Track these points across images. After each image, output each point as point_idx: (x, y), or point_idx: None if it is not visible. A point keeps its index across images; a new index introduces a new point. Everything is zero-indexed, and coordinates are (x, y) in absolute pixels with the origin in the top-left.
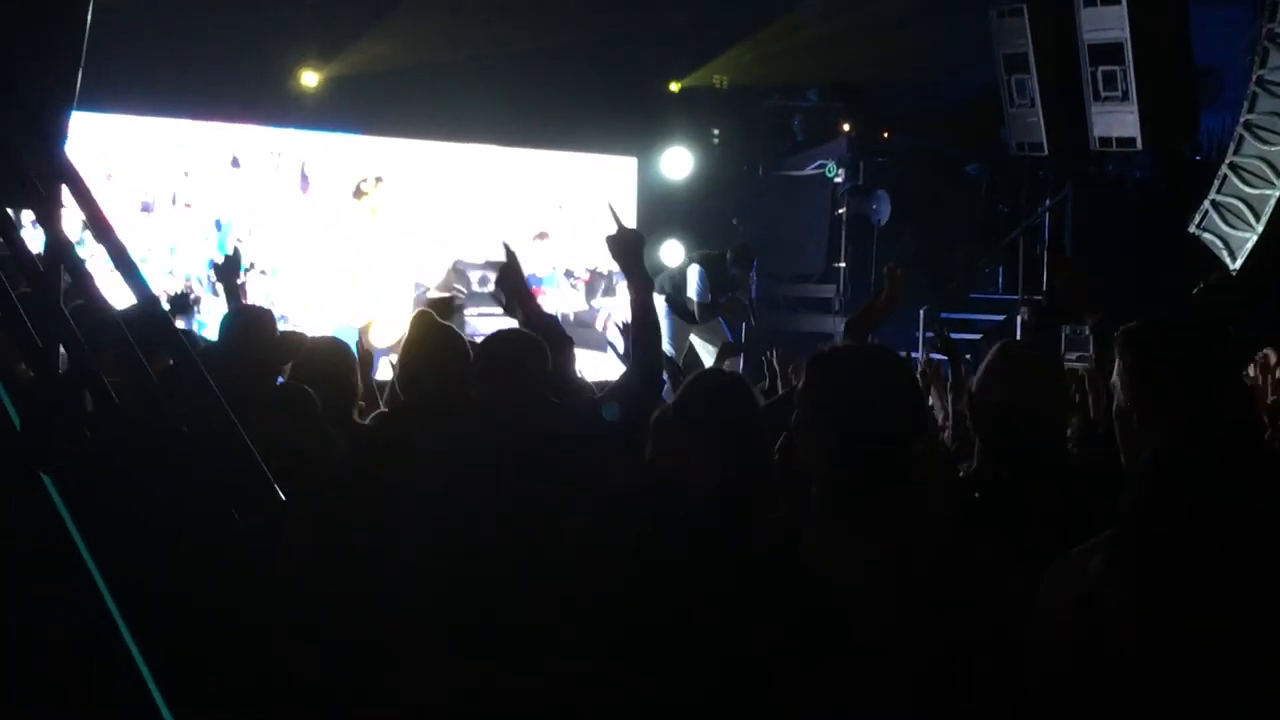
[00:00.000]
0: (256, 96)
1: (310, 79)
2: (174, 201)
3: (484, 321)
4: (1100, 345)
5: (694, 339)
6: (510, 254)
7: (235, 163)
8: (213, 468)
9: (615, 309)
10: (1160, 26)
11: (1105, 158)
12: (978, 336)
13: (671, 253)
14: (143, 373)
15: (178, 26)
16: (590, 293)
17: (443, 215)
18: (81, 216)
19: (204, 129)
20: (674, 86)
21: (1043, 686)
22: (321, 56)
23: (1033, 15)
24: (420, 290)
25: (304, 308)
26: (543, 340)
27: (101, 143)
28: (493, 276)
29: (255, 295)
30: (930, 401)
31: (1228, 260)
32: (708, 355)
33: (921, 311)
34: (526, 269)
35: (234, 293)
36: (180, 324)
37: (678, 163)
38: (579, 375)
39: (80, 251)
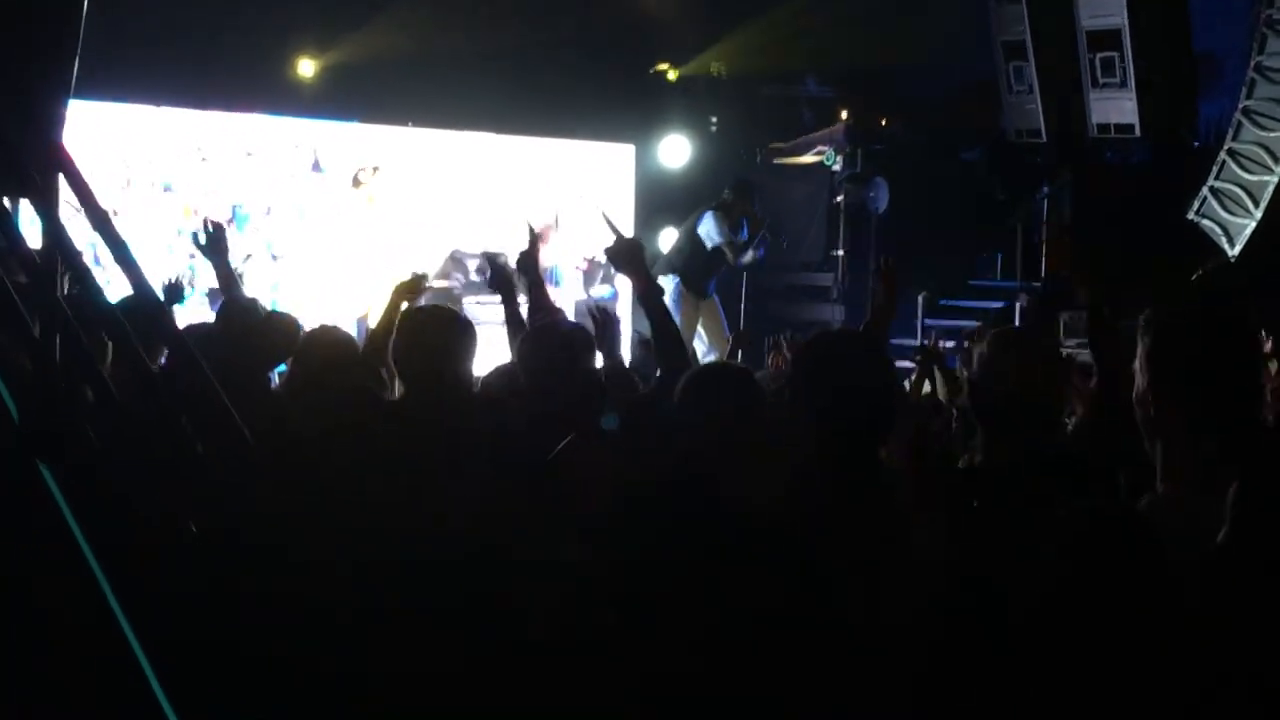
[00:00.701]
0: (253, 85)
1: (307, 68)
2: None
3: (483, 310)
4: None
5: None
6: (533, 235)
7: (238, 152)
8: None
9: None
10: (1159, 12)
11: (1104, 144)
12: (976, 324)
13: (669, 241)
14: (142, 365)
15: (174, 14)
16: (588, 281)
17: (440, 204)
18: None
19: (200, 117)
20: (672, 75)
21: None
22: (319, 45)
23: (1031, 2)
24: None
25: (303, 297)
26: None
27: (95, 131)
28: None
29: (259, 284)
30: (928, 388)
31: (1226, 247)
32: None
33: (920, 298)
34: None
35: (224, 271)
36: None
37: (676, 151)
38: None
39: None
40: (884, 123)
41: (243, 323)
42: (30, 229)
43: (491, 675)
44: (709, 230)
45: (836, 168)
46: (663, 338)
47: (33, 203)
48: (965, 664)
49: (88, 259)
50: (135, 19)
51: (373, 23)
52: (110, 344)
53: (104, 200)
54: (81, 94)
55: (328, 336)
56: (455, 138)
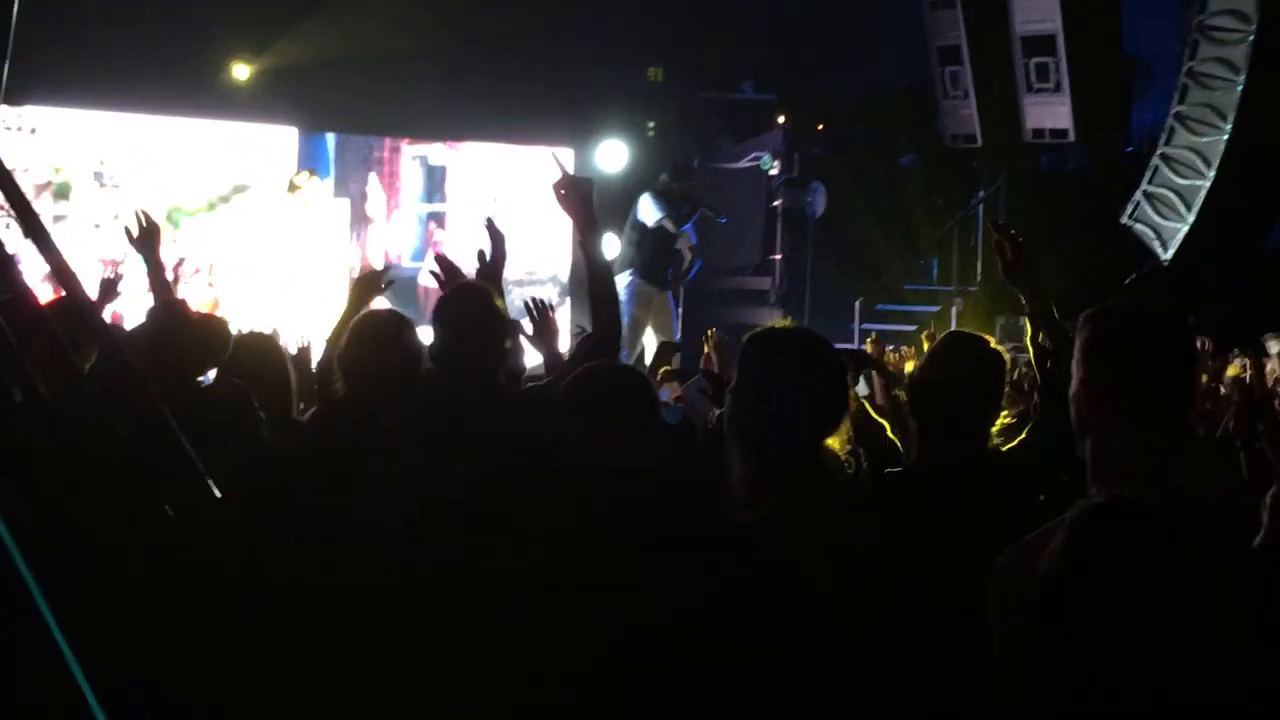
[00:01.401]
0: (187, 89)
1: (242, 72)
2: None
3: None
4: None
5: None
6: (496, 236)
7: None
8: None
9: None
10: (1091, 18)
11: (1038, 149)
12: (912, 328)
13: (608, 245)
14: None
15: (106, 19)
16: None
17: (377, 209)
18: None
19: (135, 120)
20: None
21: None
22: (253, 49)
23: (966, 7)
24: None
25: (239, 303)
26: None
27: (28, 135)
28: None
29: (195, 290)
30: (865, 390)
31: (1160, 251)
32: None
33: (857, 304)
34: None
35: (156, 268)
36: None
37: (613, 155)
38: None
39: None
40: (821, 127)
41: (173, 326)
42: None
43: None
44: (647, 210)
45: (774, 172)
46: (599, 294)
47: None
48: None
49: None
50: (68, 23)
51: (307, 28)
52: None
53: (38, 204)
54: (13, 99)
55: (254, 342)
56: (391, 143)
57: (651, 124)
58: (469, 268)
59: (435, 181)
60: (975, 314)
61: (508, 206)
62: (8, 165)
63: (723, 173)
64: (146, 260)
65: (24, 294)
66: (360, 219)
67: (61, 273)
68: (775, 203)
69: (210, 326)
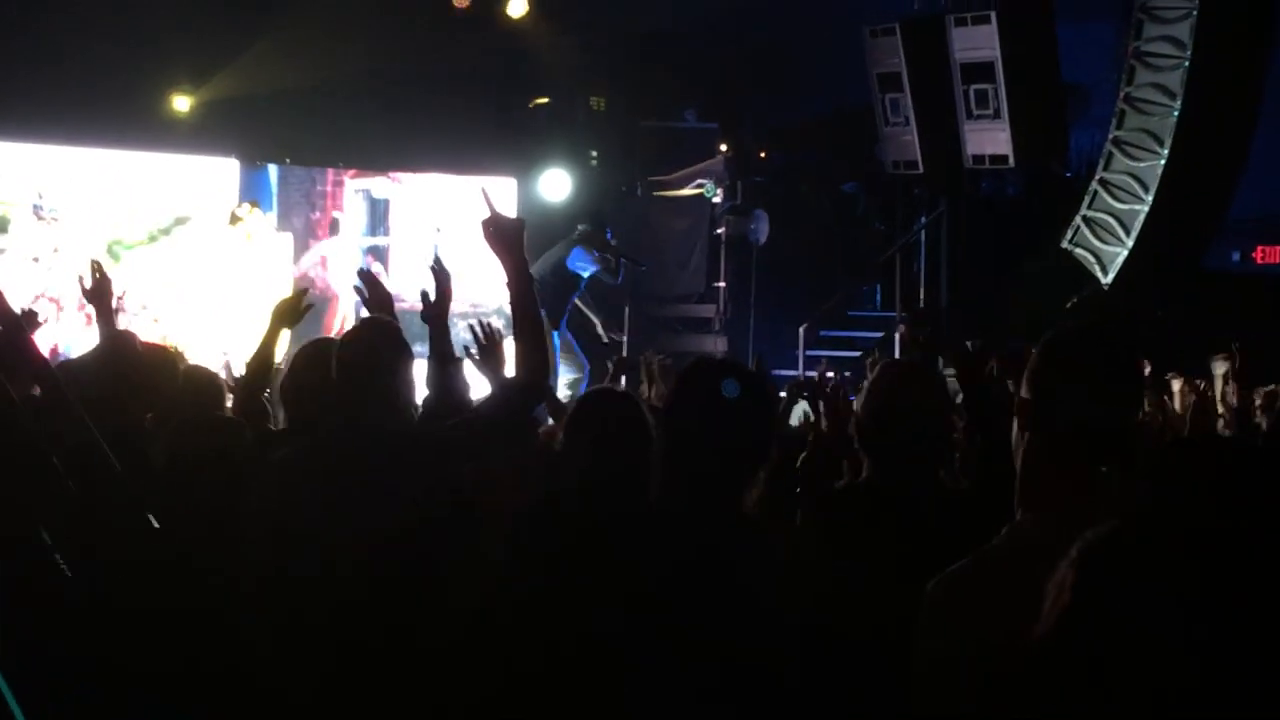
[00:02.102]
0: (127, 121)
1: (182, 104)
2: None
3: None
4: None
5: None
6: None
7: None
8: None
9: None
10: (1029, 45)
11: (979, 175)
12: (857, 354)
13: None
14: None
15: (45, 50)
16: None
17: (319, 240)
18: None
19: (76, 153)
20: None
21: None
22: (193, 81)
23: (905, 35)
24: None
25: (182, 336)
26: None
27: None
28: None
29: (137, 321)
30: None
31: (1100, 275)
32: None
33: (801, 330)
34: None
35: (106, 316)
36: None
37: (556, 184)
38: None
39: None
40: (763, 155)
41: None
42: None
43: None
44: (582, 262)
45: (717, 200)
46: (527, 336)
47: None
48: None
49: None
50: (4, 55)
51: (248, 60)
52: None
53: None
54: None
55: (197, 374)
56: (334, 174)
57: (594, 153)
58: (408, 296)
59: (378, 214)
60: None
61: (451, 238)
62: None
63: (665, 201)
64: (97, 311)
65: None
66: (303, 251)
67: None
68: (718, 230)
69: (159, 357)
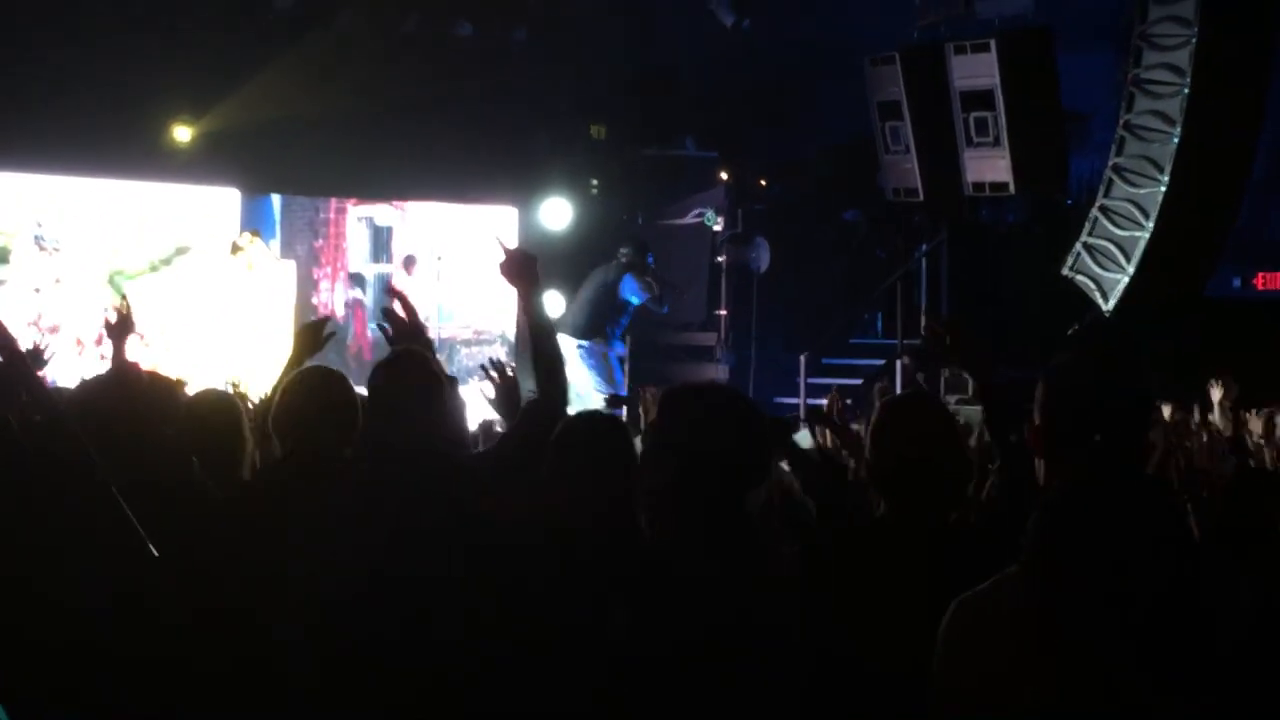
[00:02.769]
0: (127, 152)
1: (183, 134)
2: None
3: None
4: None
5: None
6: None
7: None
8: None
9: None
10: (1029, 73)
11: (979, 202)
12: (858, 382)
13: (552, 303)
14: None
15: (46, 81)
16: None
17: (322, 270)
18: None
19: (78, 183)
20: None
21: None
22: (194, 111)
23: (905, 63)
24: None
25: (184, 366)
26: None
27: None
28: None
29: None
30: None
31: (1101, 302)
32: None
33: (802, 358)
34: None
35: (120, 351)
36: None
37: (557, 213)
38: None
39: None
40: (764, 183)
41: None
42: None
43: None
44: (633, 290)
45: (717, 228)
46: (545, 363)
47: None
48: None
49: None
50: (5, 85)
51: (249, 90)
52: None
53: None
54: None
55: (208, 398)
56: (336, 203)
57: (595, 181)
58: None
59: (381, 242)
60: (922, 368)
61: (454, 265)
62: None
63: (666, 229)
64: (115, 346)
65: None
66: (306, 280)
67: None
68: (719, 258)
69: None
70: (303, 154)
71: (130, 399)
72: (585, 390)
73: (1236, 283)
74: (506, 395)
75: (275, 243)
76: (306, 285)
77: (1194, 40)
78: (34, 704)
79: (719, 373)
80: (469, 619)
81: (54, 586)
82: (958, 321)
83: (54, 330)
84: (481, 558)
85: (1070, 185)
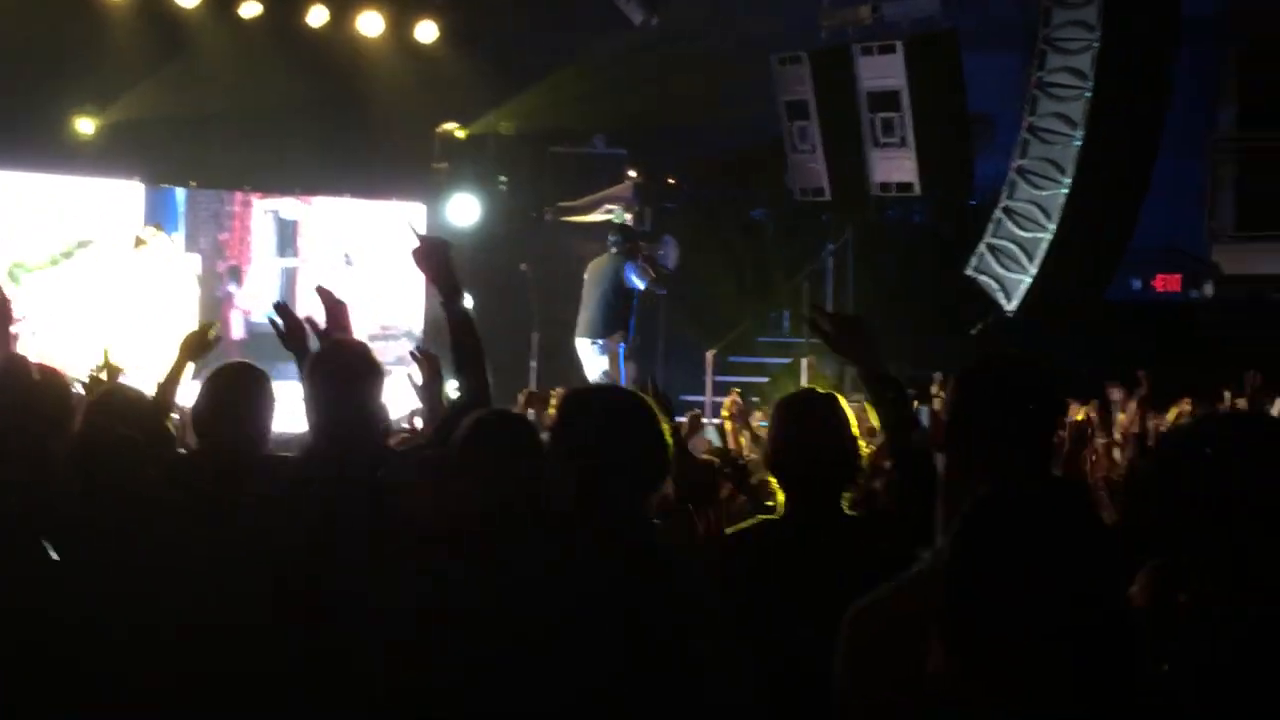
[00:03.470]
0: (29, 143)
1: (86, 126)
2: None
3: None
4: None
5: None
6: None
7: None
8: None
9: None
10: (935, 75)
11: (885, 202)
12: (765, 380)
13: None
14: None
15: None
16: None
17: (227, 265)
18: None
19: None
20: (460, 133)
21: None
22: (98, 103)
23: (813, 63)
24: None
25: (85, 360)
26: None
27: None
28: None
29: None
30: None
31: (1003, 302)
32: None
33: (709, 356)
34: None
35: (3, 340)
36: None
37: (465, 209)
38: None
39: None
40: (672, 181)
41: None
42: None
43: None
44: (635, 277)
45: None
46: (466, 355)
47: None
48: None
49: None
50: None
51: (154, 82)
52: None
53: None
54: None
55: (120, 395)
56: (242, 198)
57: (503, 178)
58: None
59: (288, 235)
60: (827, 365)
61: (361, 261)
62: None
63: (574, 227)
64: None
65: None
66: (211, 273)
67: None
68: None
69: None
70: (209, 147)
71: (18, 395)
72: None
73: (1137, 284)
74: (432, 382)
75: (179, 236)
76: (211, 279)
77: (1096, 45)
78: None
79: (627, 370)
80: (380, 617)
81: None
82: (843, 314)
83: None
84: (398, 555)
85: (975, 186)
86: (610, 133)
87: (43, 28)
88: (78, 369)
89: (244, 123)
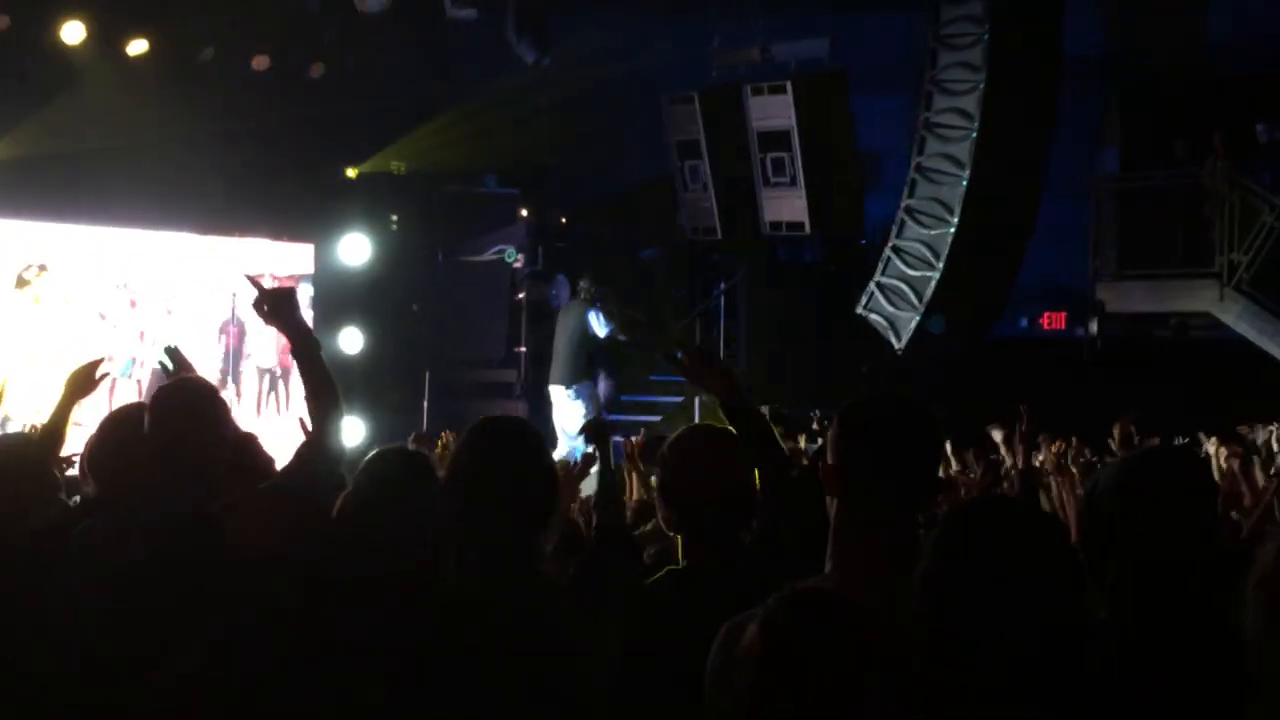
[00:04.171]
0: None
1: None
2: None
3: None
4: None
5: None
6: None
7: None
8: None
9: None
10: (825, 114)
11: (776, 241)
12: (658, 418)
13: (350, 340)
14: None
15: None
16: (273, 385)
17: (113, 305)
18: None
19: None
20: (350, 172)
21: None
22: None
23: (704, 103)
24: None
25: None
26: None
27: None
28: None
29: None
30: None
31: (893, 340)
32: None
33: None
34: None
35: None
36: None
37: (356, 249)
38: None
39: None
40: (564, 221)
41: None
42: None
43: None
44: (599, 326)
45: (517, 265)
46: (319, 401)
47: None
48: None
49: None
50: None
51: (40, 117)
52: None
53: None
54: None
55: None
56: (127, 235)
57: (394, 217)
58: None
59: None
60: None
61: (246, 301)
62: None
63: (466, 266)
64: None
65: None
66: (99, 313)
67: None
68: (519, 295)
69: None
70: (93, 184)
71: None
72: (574, 429)
73: (1024, 322)
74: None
75: (65, 276)
76: (96, 319)
77: (982, 85)
78: None
79: (518, 409)
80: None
81: None
82: (700, 347)
83: None
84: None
85: (865, 225)
86: (502, 172)
87: None
88: None
89: (131, 160)
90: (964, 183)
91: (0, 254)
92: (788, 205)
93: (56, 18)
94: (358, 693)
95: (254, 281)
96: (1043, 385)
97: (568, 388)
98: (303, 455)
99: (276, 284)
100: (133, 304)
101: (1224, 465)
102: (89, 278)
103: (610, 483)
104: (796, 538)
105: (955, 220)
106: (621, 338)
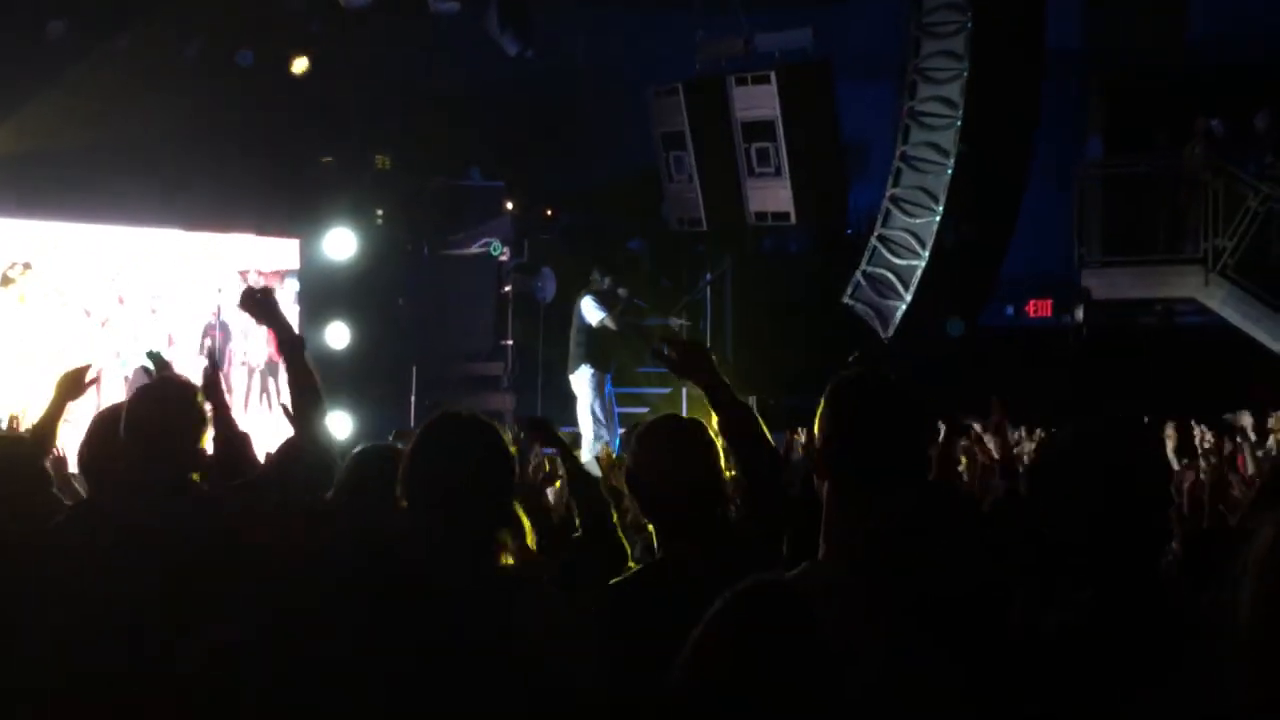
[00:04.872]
0: None
1: None
2: None
3: None
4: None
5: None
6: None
7: None
8: None
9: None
10: (809, 104)
11: (761, 232)
12: (645, 410)
13: (336, 334)
14: None
15: None
16: (263, 381)
17: (99, 302)
18: None
19: None
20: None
21: None
22: None
23: (688, 94)
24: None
25: None
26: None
27: None
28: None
29: None
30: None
31: (880, 329)
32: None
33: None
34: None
35: None
36: None
37: (341, 243)
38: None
39: None
40: (550, 213)
41: None
42: None
43: None
44: (591, 313)
45: (503, 258)
46: (302, 398)
47: None
48: None
49: None
50: None
51: (25, 114)
52: None
53: None
54: None
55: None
56: (114, 232)
57: (380, 211)
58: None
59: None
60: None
61: (233, 297)
62: None
63: (452, 259)
64: None
65: None
66: (84, 311)
67: None
68: (505, 288)
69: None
70: (80, 181)
71: None
72: (586, 416)
73: (1010, 311)
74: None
75: (51, 274)
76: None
77: (965, 74)
78: None
79: (505, 402)
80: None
81: None
82: (689, 340)
83: None
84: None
85: (850, 215)
86: (487, 165)
87: None
88: None
89: (116, 156)
90: (949, 171)
91: None
92: (773, 195)
93: (40, 15)
94: (316, 685)
95: (244, 279)
96: (1029, 373)
97: (570, 375)
98: (284, 453)
99: (262, 281)
100: (120, 300)
101: (1207, 445)
102: (74, 275)
103: (584, 480)
104: (777, 527)
105: (940, 209)
106: (612, 327)
